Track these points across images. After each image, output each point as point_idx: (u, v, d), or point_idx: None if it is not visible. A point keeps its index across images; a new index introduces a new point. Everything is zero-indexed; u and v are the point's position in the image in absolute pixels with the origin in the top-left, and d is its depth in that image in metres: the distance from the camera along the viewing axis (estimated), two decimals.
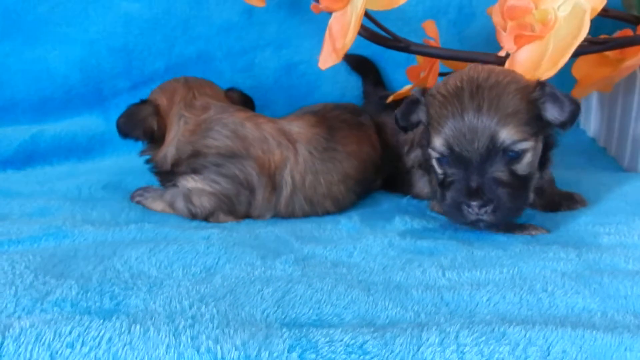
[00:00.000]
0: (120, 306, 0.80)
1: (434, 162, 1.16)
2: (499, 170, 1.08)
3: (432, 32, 1.69)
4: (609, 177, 1.62)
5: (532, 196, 1.17)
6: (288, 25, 1.89)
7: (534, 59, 1.30)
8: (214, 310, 0.77)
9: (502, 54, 1.49)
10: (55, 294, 0.82)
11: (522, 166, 1.10)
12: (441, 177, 1.15)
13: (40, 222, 1.19)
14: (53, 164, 1.72)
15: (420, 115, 1.20)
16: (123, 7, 1.76)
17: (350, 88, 1.95)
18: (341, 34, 1.38)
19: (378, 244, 1.11)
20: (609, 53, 1.60)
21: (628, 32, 1.46)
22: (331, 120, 1.46)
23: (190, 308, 0.78)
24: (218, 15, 1.83)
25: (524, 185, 1.12)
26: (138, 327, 0.69)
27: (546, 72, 1.25)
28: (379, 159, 1.50)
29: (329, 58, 1.40)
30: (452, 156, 1.09)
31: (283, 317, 0.78)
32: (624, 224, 1.20)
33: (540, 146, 1.15)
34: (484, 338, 0.71)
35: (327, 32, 1.41)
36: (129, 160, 1.77)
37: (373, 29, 1.46)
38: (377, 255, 1.05)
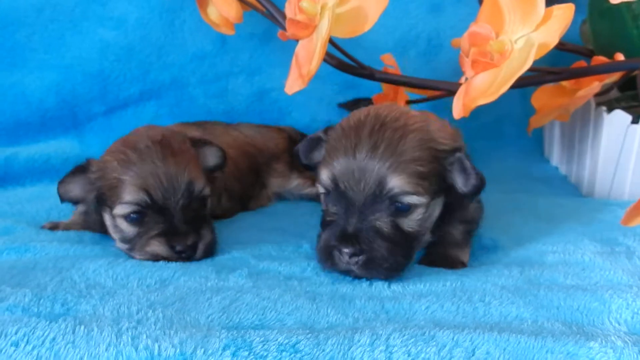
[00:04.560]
0: (70, 311, 0.83)
1: (322, 199, 1.07)
2: (381, 220, 0.98)
3: (390, 62, 1.78)
4: (565, 201, 1.68)
5: (414, 255, 1.08)
6: (260, 53, 1.97)
7: (485, 85, 1.37)
8: (160, 315, 0.80)
9: (462, 80, 1.57)
10: (8, 301, 0.85)
11: (410, 222, 1.01)
12: (323, 215, 1.06)
13: (3, 239, 1.22)
14: (25, 185, 1.75)
15: (323, 152, 1.09)
16: (99, 34, 1.83)
17: (321, 114, 2.02)
18: (307, 60, 1.44)
19: None
20: (565, 83, 1.68)
21: (582, 63, 1.54)
22: None
23: (137, 313, 0.82)
24: (192, 43, 1.90)
25: (407, 243, 1.02)
26: (82, 327, 0.72)
27: (489, 98, 1.32)
28: None
29: (295, 84, 1.46)
30: (337, 193, 1.00)
31: (227, 322, 0.81)
32: (571, 244, 1.25)
33: (437, 208, 1.07)
34: (412, 340, 0.75)
35: (293, 58, 1.47)
36: None
37: (340, 58, 1.54)
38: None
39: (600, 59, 1.60)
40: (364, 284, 1.01)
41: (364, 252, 0.96)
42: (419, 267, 1.13)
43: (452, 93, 1.63)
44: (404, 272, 1.03)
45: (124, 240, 1.18)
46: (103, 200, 1.20)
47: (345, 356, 0.71)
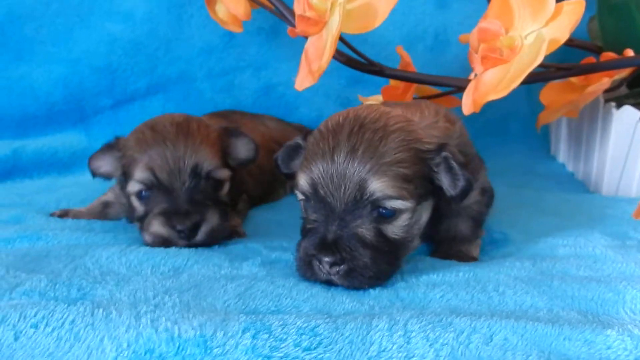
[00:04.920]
0: (86, 296, 0.83)
1: (301, 206, 1.00)
2: (363, 227, 0.91)
3: (405, 57, 1.78)
4: (573, 197, 1.68)
5: (401, 263, 1.00)
6: (267, 48, 1.97)
7: (495, 81, 1.38)
8: (177, 300, 0.80)
9: (471, 76, 1.57)
10: (25, 286, 0.85)
11: (394, 228, 0.94)
12: (303, 223, 1.00)
13: (15, 227, 1.22)
14: (33, 177, 1.75)
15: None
16: (107, 29, 1.83)
17: (328, 110, 2.02)
18: (317, 56, 1.44)
19: None
20: (574, 80, 1.68)
21: (591, 59, 1.54)
22: None
23: (153, 298, 0.82)
24: (199, 37, 1.91)
25: (392, 251, 0.95)
26: (101, 310, 0.72)
27: (500, 93, 1.32)
28: None
29: (305, 80, 1.46)
30: (316, 199, 0.93)
31: (243, 307, 0.81)
32: (582, 237, 1.25)
33: (425, 212, 1.00)
34: (430, 325, 0.75)
35: (303, 55, 1.47)
36: None
37: (349, 54, 1.54)
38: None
39: (609, 55, 1.60)
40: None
41: (345, 262, 0.89)
42: (431, 259, 1.13)
43: (461, 89, 1.63)
44: (389, 281, 0.96)
45: (138, 219, 1.19)
46: (126, 177, 1.22)
47: (364, 340, 0.71)
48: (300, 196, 0.97)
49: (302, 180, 0.95)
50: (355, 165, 0.90)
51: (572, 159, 2.04)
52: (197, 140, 1.19)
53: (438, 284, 0.95)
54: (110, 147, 1.25)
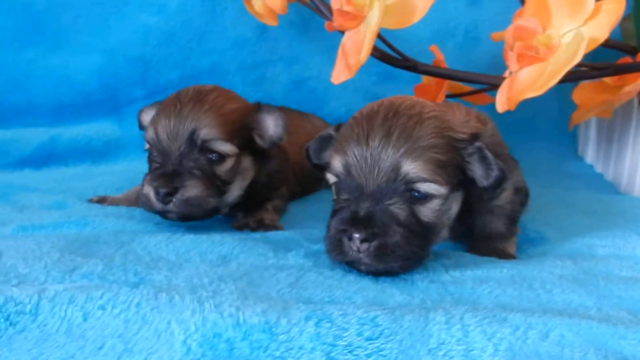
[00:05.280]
0: (144, 280, 0.85)
1: (333, 189, 1.00)
2: (396, 205, 0.91)
3: (438, 54, 1.78)
4: (606, 198, 1.68)
5: (429, 251, 0.99)
6: (299, 42, 1.98)
7: (530, 79, 1.37)
8: (232, 287, 0.81)
9: (506, 74, 1.57)
10: (82, 269, 0.87)
11: (427, 211, 0.94)
12: (334, 205, 0.99)
13: (59, 213, 1.24)
14: (69, 165, 1.78)
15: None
16: (142, 19, 1.85)
17: (357, 105, 2.01)
18: (354, 50, 1.45)
19: None
20: (608, 79, 1.67)
21: (627, 59, 1.54)
22: None
23: (210, 284, 0.83)
24: (232, 30, 1.92)
25: (423, 234, 0.94)
26: (164, 294, 0.73)
27: (537, 91, 1.32)
28: None
29: (341, 74, 1.47)
30: (349, 181, 0.93)
31: (297, 296, 0.82)
32: (620, 238, 1.25)
33: (455, 202, 1.00)
34: (487, 320, 0.75)
35: (340, 49, 1.48)
36: (141, 165, 1.82)
37: (383, 49, 1.54)
38: None
39: None
40: (421, 269, 1.01)
41: (376, 237, 0.87)
42: (471, 255, 1.13)
43: (494, 87, 1.63)
44: (419, 267, 0.96)
45: (143, 178, 1.20)
46: None
47: (423, 332, 0.71)
48: (333, 179, 0.97)
49: (336, 162, 0.95)
50: (390, 148, 0.90)
51: (601, 159, 2.03)
52: (204, 107, 1.16)
53: (485, 280, 0.96)
54: (158, 103, 1.26)
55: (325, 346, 0.67)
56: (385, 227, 0.88)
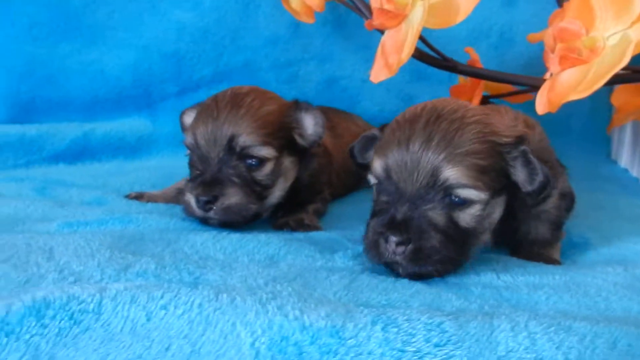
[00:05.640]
0: (199, 280, 0.84)
1: (374, 190, 1.02)
2: (434, 211, 0.91)
3: (473, 55, 1.77)
4: None
5: (470, 256, 0.99)
6: (332, 40, 1.96)
7: (572, 81, 1.35)
8: (289, 288, 0.80)
9: (547, 76, 1.54)
10: (135, 267, 0.86)
11: (466, 217, 0.94)
12: (374, 205, 1.01)
13: (101, 209, 1.24)
14: (102, 160, 1.78)
15: None
16: (176, 15, 1.85)
17: (389, 104, 2.01)
18: (394, 50, 1.43)
19: None
20: None
21: None
22: None
23: (266, 285, 0.82)
24: (266, 27, 1.91)
25: (462, 240, 0.94)
26: (225, 295, 0.72)
27: (581, 94, 1.30)
28: None
29: (381, 72, 1.45)
30: (389, 183, 0.94)
31: (355, 299, 0.81)
32: None
33: (498, 207, 0.99)
34: (553, 328, 0.73)
35: (379, 48, 1.46)
36: (173, 161, 1.84)
37: (421, 49, 1.53)
38: None
39: None
40: (472, 274, 0.99)
41: (411, 241, 0.88)
42: (519, 260, 1.11)
43: (534, 88, 1.61)
44: (457, 270, 0.95)
45: (185, 185, 1.20)
46: None
47: (490, 340, 0.70)
48: (374, 180, 0.99)
49: (377, 164, 0.96)
50: (430, 153, 0.91)
51: (637, 163, 2.00)
52: (241, 111, 1.14)
53: (539, 286, 0.94)
54: (199, 105, 1.26)
55: (394, 352, 0.65)
56: (422, 232, 0.89)
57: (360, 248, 1.10)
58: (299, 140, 1.24)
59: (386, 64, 1.45)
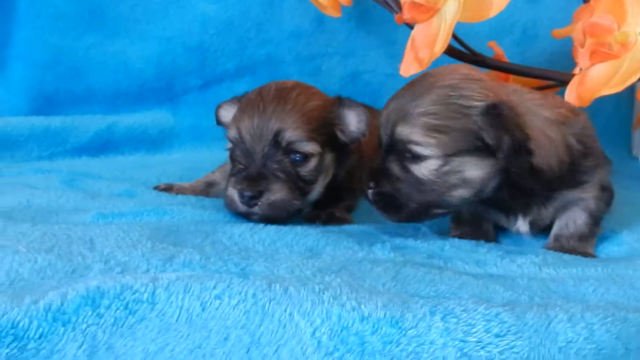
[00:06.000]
0: (245, 270, 0.83)
1: None
2: (393, 163, 1.07)
3: (497, 50, 1.76)
4: None
5: (429, 215, 1.10)
6: (356, 35, 1.95)
7: (603, 76, 1.34)
8: (338, 279, 0.79)
9: (576, 71, 1.53)
10: (180, 258, 0.85)
11: (421, 169, 1.05)
12: None
13: (133, 201, 1.23)
14: (124, 153, 1.78)
15: None
16: (200, 8, 1.84)
17: None
18: (425, 44, 1.42)
19: (465, 242, 1.13)
20: None
21: None
22: None
23: (314, 276, 0.81)
24: (290, 20, 1.90)
25: (420, 191, 1.06)
26: (277, 285, 0.71)
27: (613, 89, 1.29)
28: None
29: (411, 66, 1.44)
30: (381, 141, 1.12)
31: (403, 291, 0.80)
32: None
33: (471, 168, 1.04)
34: (609, 319, 0.72)
35: (409, 42, 1.45)
36: (195, 154, 1.83)
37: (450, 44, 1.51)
38: (468, 251, 1.07)
39: None
40: (513, 266, 0.99)
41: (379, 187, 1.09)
42: (555, 253, 1.10)
43: (562, 83, 1.60)
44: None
45: (227, 179, 1.18)
46: None
47: (548, 329, 0.69)
48: None
49: None
50: (391, 109, 1.07)
51: None
52: (287, 106, 1.13)
53: (584, 278, 0.93)
54: (237, 99, 1.25)
55: (456, 342, 0.64)
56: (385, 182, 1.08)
57: (397, 240, 1.10)
58: (340, 136, 1.23)
59: (416, 58, 1.44)
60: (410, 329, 0.65)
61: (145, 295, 0.68)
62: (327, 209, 1.27)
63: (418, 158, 1.03)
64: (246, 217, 1.13)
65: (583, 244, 1.18)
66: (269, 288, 0.71)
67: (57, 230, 0.95)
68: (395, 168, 1.06)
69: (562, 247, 1.16)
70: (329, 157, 1.21)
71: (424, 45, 1.43)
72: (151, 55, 1.83)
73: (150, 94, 1.86)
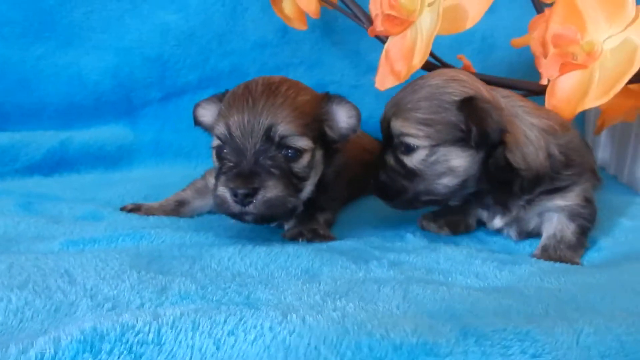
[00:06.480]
0: (250, 300, 0.76)
1: None
2: (390, 156, 1.16)
3: (466, 62, 1.77)
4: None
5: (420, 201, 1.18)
6: (321, 46, 1.91)
7: (577, 87, 1.35)
8: (351, 305, 0.74)
9: (544, 81, 1.55)
10: (174, 288, 0.77)
11: (413, 160, 1.14)
12: None
13: (102, 224, 1.13)
14: (80, 171, 1.65)
15: None
16: (160, 17, 1.74)
17: (378, 110, 1.96)
18: (400, 56, 1.40)
19: (457, 253, 1.10)
20: (632, 86, 1.68)
21: None
22: None
23: (324, 302, 0.75)
24: (253, 31, 1.84)
25: (411, 181, 1.16)
26: (294, 316, 0.65)
27: (595, 101, 1.31)
28: None
29: (386, 80, 1.41)
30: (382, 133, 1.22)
31: (420, 312, 0.76)
32: None
33: (455, 158, 1.12)
34: (633, 329, 0.71)
35: (383, 54, 1.43)
36: (158, 171, 1.74)
37: None
38: (463, 262, 1.05)
39: None
40: (513, 277, 0.97)
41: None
42: (548, 263, 1.10)
43: (532, 92, 1.62)
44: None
45: (215, 179, 1.12)
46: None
47: (579, 344, 0.66)
48: None
49: None
50: (388, 107, 1.19)
51: (614, 162, 2.05)
52: (278, 100, 1.08)
53: (587, 287, 0.92)
54: (217, 97, 1.19)
55: None
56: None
57: (390, 256, 1.06)
58: (329, 132, 1.18)
59: (392, 71, 1.41)
60: (447, 356, 0.61)
61: (150, 335, 0.61)
62: (304, 222, 1.22)
63: (409, 149, 1.12)
64: (239, 217, 1.06)
65: (571, 254, 1.19)
66: (285, 319, 0.65)
67: (25, 261, 0.85)
68: (391, 160, 1.16)
69: (550, 256, 1.17)
70: (319, 154, 1.16)
71: (399, 58, 1.41)
72: (107, 67, 1.71)
73: (107, 107, 1.74)
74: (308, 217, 1.25)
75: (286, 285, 0.83)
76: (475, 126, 1.07)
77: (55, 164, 1.62)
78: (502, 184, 1.15)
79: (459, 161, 1.11)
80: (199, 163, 1.83)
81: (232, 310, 0.66)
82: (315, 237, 1.18)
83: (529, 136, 1.13)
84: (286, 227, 1.27)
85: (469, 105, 1.09)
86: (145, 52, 1.74)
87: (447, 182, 1.13)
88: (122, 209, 1.30)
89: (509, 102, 1.17)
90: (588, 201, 1.21)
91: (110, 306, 0.71)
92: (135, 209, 1.30)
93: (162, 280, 0.80)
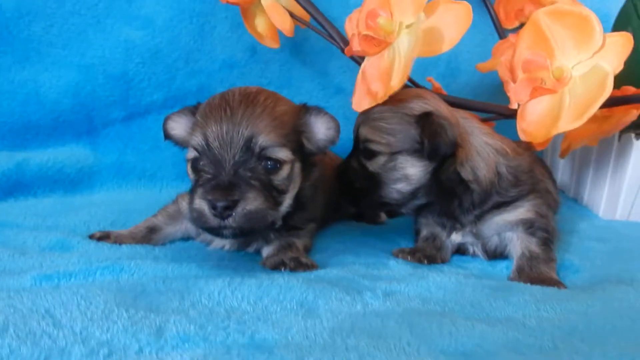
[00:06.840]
0: (256, 340, 0.71)
1: None
2: (355, 162, 1.28)
3: (436, 84, 1.80)
4: (604, 223, 1.75)
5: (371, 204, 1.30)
6: (290, 66, 1.89)
7: (547, 112, 1.38)
8: (361, 342, 0.71)
9: (513, 105, 1.59)
10: (171, 330, 0.72)
11: (374, 165, 1.24)
12: None
13: (73, 255, 1.05)
14: (38, 195, 1.54)
15: None
16: (124, 34, 1.67)
17: (346, 132, 1.95)
18: (377, 77, 1.39)
19: (447, 281, 1.09)
20: (597, 111, 1.73)
21: (629, 89, 1.57)
22: None
23: (333, 341, 0.72)
24: (221, 50, 1.79)
25: (375, 184, 1.25)
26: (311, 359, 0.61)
27: (568, 125, 1.34)
28: None
29: (363, 101, 1.40)
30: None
31: (432, 348, 0.73)
32: None
33: (410, 167, 1.22)
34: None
35: (359, 75, 1.41)
36: (121, 195, 1.65)
37: None
38: (455, 292, 1.03)
39: (629, 89, 1.66)
40: (508, 307, 0.96)
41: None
42: (538, 287, 1.10)
43: (502, 115, 1.66)
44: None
45: (190, 192, 1.07)
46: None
47: None
48: None
49: None
50: (360, 116, 1.30)
51: (573, 185, 2.12)
52: (257, 110, 1.06)
53: (583, 314, 0.93)
54: (189, 109, 1.14)
55: None
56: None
57: (382, 285, 1.04)
58: (306, 145, 1.16)
59: (369, 92, 1.40)
60: None
61: None
62: (283, 249, 1.18)
63: (371, 154, 1.23)
64: (216, 232, 1.01)
65: (546, 269, 1.21)
66: None
67: None
68: (355, 164, 1.27)
69: (529, 275, 1.19)
70: (297, 167, 1.13)
71: (375, 79, 1.40)
72: (67, 84, 1.62)
73: (66, 127, 1.64)
74: (287, 244, 1.21)
75: (287, 322, 0.78)
76: (428, 139, 1.18)
77: (10, 187, 1.50)
78: (450, 195, 1.25)
79: (413, 170, 1.22)
80: (164, 186, 1.75)
81: (243, 355, 0.61)
82: (298, 266, 1.14)
83: (481, 152, 1.25)
84: (264, 253, 1.23)
85: (425, 120, 1.20)
86: (108, 70, 1.65)
87: (400, 187, 1.23)
88: (91, 237, 1.21)
89: (467, 122, 1.29)
90: (541, 215, 1.29)
91: (106, 352, 0.65)
92: (104, 236, 1.22)
93: (155, 320, 0.74)
